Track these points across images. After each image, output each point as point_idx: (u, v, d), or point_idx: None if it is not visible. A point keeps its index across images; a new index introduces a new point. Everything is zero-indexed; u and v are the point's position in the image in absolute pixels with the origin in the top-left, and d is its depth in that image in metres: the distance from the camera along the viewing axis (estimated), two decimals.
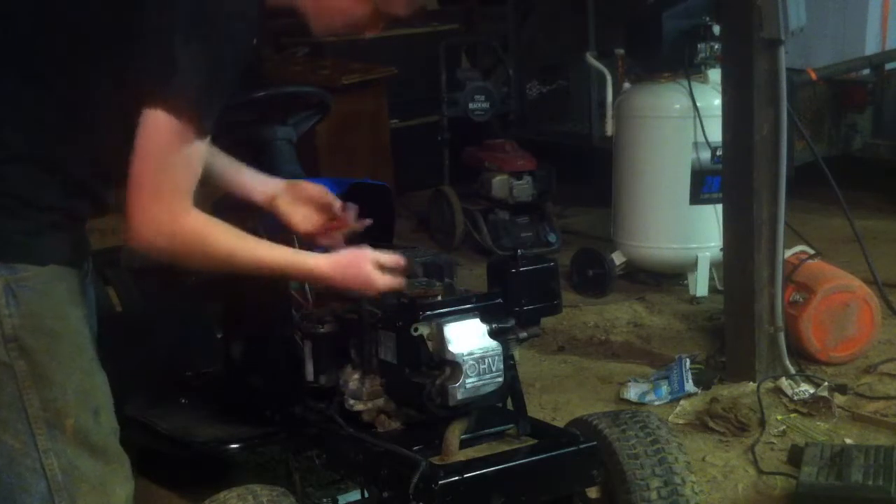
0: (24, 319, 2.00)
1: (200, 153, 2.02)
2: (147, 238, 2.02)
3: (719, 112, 4.33)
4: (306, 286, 2.68)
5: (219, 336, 3.06)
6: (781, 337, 4.20)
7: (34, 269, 2.00)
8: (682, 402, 4.07)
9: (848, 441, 3.66)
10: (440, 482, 2.22)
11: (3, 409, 2.02)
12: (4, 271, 1.98)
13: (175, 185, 2.01)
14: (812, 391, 4.01)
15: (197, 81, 1.95)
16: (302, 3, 2.16)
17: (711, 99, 5.00)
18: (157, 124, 1.95)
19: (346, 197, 2.85)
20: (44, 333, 2.02)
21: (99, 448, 2.10)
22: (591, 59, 6.14)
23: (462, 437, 2.41)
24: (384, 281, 2.33)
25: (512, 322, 2.44)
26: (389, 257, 2.36)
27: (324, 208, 2.53)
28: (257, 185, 2.51)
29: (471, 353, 2.29)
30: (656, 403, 4.09)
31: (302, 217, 2.52)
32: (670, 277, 5.59)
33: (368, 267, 2.32)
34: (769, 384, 4.12)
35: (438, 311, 2.34)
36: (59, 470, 2.05)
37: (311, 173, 3.63)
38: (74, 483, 2.06)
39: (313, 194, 2.52)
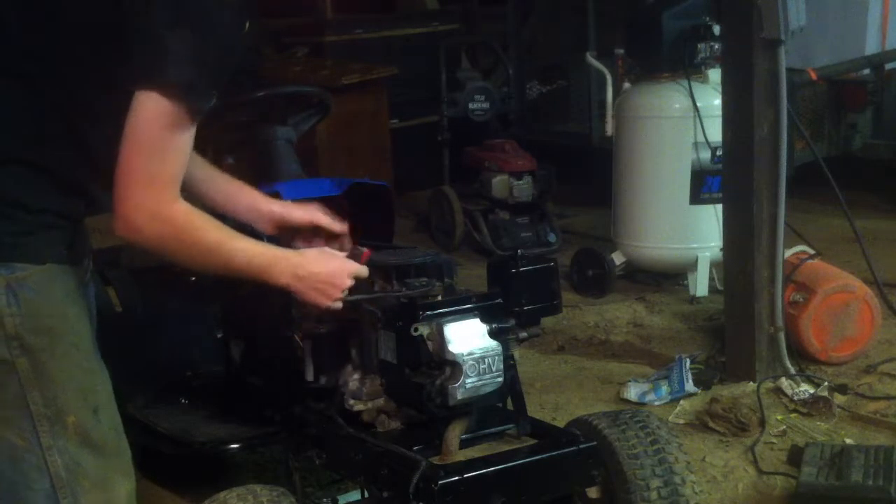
0: (25, 318, 2.01)
1: (191, 139, 2.03)
2: (138, 225, 2.02)
3: (719, 112, 4.33)
4: None
5: (219, 336, 3.06)
6: (781, 337, 4.20)
7: (33, 268, 2.01)
8: (682, 402, 4.07)
9: (848, 441, 3.66)
10: (440, 482, 2.22)
11: (7, 407, 2.03)
12: (4, 271, 1.99)
13: (167, 173, 2.01)
14: (812, 391, 4.01)
15: (189, 67, 1.94)
16: None
17: (711, 99, 5.00)
18: (150, 110, 1.95)
19: (346, 197, 2.85)
20: (44, 332, 2.03)
21: (100, 445, 2.11)
22: (591, 59, 6.14)
23: (462, 437, 2.42)
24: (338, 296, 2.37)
25: (512, 322, 2.44)
26: (362, 269, 2.40)
27: (317, 228, 2.55)
28: (253, 218, 2.52)
29: (471, 353, 2.29)
30: (656, 403, 4.08)
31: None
32: (670, 277, 5.59)
33: (347, 281, 2.35)
34: (769, 384, 4.12)
35: (438, 311, 2.34)
36: (62, 467, 2.06)
37: (311, 173, 3.64)
38: (77, 480, 2.08)
39: (300, 224, 2.53)
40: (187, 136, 2.01)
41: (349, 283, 2.36)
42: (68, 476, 2.06)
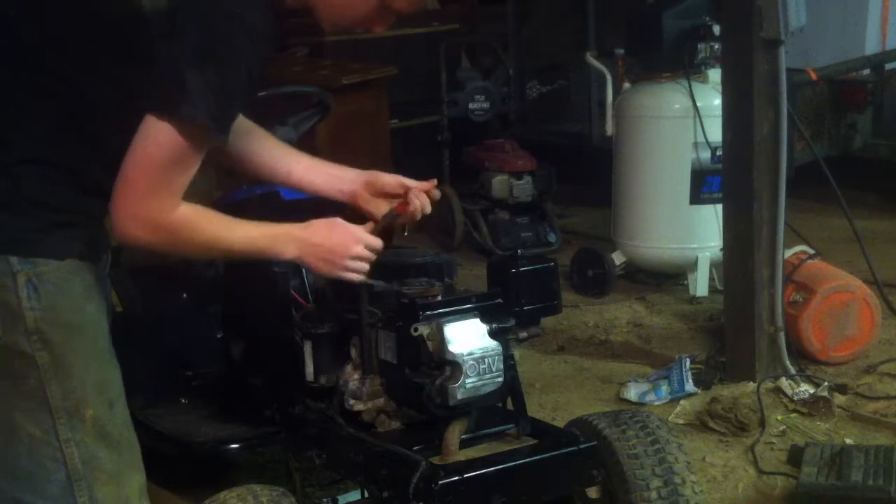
0: (45, 312, 2.04)
1: (199, 159, 2.05)
2: (133, 234, 2.05)
3: (719, 112, 4.34)
4: (307, 285, 2.68)
5: (219, 336, 3.06)
6: (781, 337, 4.20)
7: (53, 264, 2.04)
8: (682, 402, 4.07)
9: (848, 441, 3.66)
10: (440, 482, 2.22)
11: (26, 398, 2.06)
12: (25, 266, 2.02)
13: (171, 189, 2.04)
14: (812, 391, 4.01)
15: (205, 104, 1.97)
16: (311, 1, 2.18)
17: (711, 99, 5.00)
18: (159, 137, 1.98)
19: None
20: (63, 326, 2.06)
21: (114, 439, 2.14)
22: (591, 59, 6.15)
23: (462, 437, 2.41)
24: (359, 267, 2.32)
25: (512, 322, 2.44)
26: (375, 240, 2.35)
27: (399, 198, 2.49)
28: (335, 182, 2.49)
29: (471, 353, 2.29)
30: (656, 403, 4.09)
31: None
32: (670, 277, 5.59)
33: (356, 250, 2.30)
34: (769, 384, 4.12)
35: (438, 311, 2.34)
36: (78, 459, 2.09)
37: None
38: (93, 473, 2.10)
39: (389, 187, 2.48)
40: (196, 160, 2.04)
41: (358, 251, 2.31)
42: (84, 469, 2.09)
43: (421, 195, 2.44)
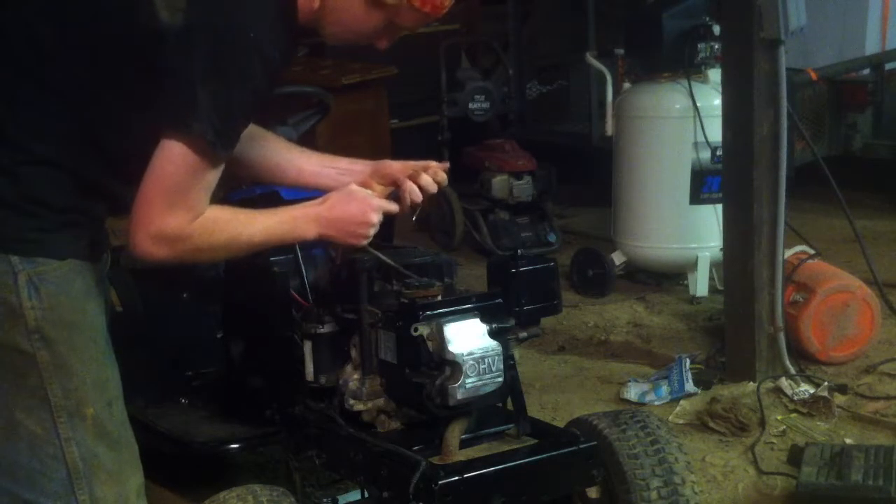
0: (46, 311, 2.05)
1: (217, 173, 2.09)
2: (152, 251, 2.09)
3: (719, 112, 4.34)
4: (307, 285, 2.68)
5: (219, 336, 3.06)
6: (781, 337, 4.20)
7: (54, 263, 2.06)
8: (682, 402, 4.07)
9: (848, 441, 3.66)
10: (440, 482, 2.23)
11: (27, 396, 2.07)
12: (26, 265, 2.03)
13: (188, 205, 2.07)
14: (812, 391, 4.01)
15: (214, 120, 2.00)
16: (319, 16, 2.19)
17: (711, 99, 5.00)
18: (173, 156, 2.01)
19: None
20: (64, 325, 2.07)
21: (114, 438, 2.16)
22: (591, 59, 6.14)
23: (462, 437, 2.41)
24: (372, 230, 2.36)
25: (512, 322, 2.44)
26: (391, 205, 2.40)
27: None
28: (345, 176, 2.50)
29: (471, 353, 2.29)
30: (656, 403, 4.09)
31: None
32: (670, 277, 5.59)
33: (374, 218, 2.34)
34: (769, 384, 4.12)
35: (438, 311, 2.34)
36: (79, 458, 2.10)
37: None
38: (93, 471, 2.12)
39: (398, 173, 2.50)
40: (212, 174, 2.08)
41: (376, 219, 2.35)
42: (85, 467, 2.10)
43: (423, 176, 2.46)
